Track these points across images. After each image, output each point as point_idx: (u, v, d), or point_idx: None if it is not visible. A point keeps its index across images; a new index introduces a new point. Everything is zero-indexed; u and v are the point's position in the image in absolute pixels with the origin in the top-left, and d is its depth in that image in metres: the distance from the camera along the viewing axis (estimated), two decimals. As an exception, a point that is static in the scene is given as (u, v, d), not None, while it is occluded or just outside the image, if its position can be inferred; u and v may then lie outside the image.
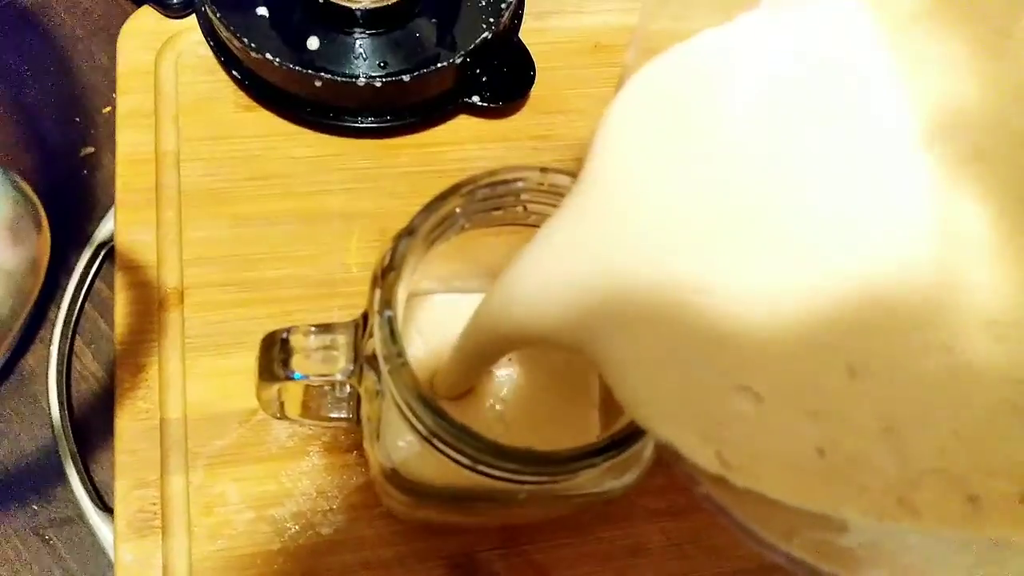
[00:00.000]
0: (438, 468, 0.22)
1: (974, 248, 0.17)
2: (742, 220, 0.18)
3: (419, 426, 0.21)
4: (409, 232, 0.22)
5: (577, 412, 0.27)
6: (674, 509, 0.35)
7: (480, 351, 0.23)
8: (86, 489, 0.35)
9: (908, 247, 0.18)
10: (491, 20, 0.40)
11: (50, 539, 0.35)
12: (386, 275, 0.21)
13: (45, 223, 0.36)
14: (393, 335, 0.21)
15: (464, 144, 0.42)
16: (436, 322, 0.28)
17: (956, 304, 0.17)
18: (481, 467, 0.21)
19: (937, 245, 0.18)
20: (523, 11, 0.43)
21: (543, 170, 0.23)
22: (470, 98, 0.41)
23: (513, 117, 0.43)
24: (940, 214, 0.18)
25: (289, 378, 0.25)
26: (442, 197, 0.23)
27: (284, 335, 0.25)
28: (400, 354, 0.21)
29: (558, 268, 0.20)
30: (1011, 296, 0.17)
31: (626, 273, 0.19)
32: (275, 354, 0.25)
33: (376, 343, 0.21)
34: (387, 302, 0.21)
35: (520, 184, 0.24)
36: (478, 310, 0.22)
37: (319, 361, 0.24)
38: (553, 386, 0.27)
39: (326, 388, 0.31)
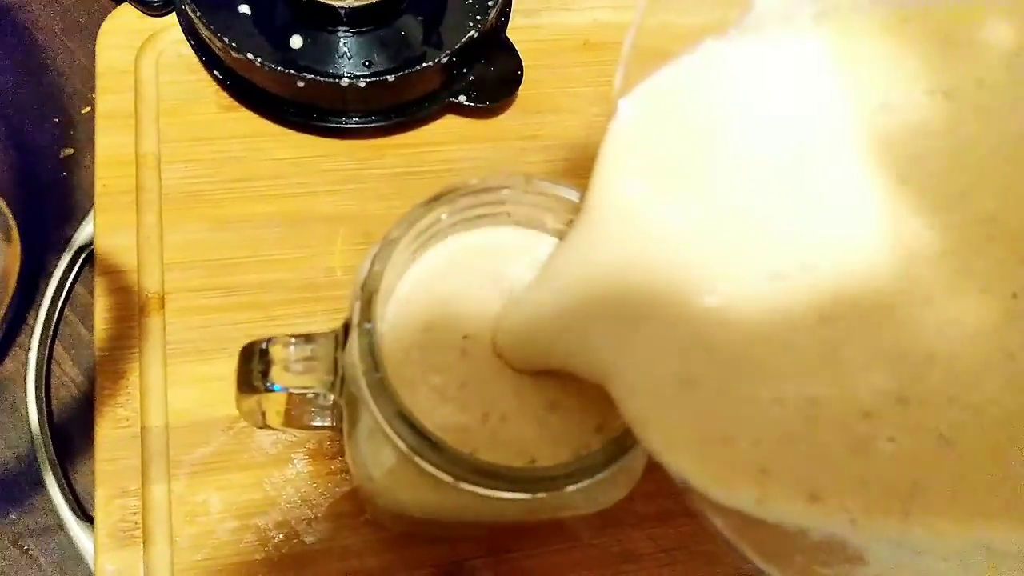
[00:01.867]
0: (419, 484, 0.21)
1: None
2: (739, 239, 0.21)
3: (399, 442, 0.20)
4: (389, 243, 0.22)
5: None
6: (664, 515, 0.35)
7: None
8: (65, 498, 0.34)
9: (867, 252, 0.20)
10: (478, 18, 0.39)
11: (29, 549, 0.34)
12: (365, 288, 0.21)
13: (15, 233, 0.35)
14: (372, 349, 0.20)
15: (451, 144, 0.41)
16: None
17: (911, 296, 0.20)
18: (463, 484, 0.20)
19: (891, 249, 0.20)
20: (511, 9, 0.42)
21: (527, 179, 0.23)
22: (457, 98, 0.40)
23: (501, 117, 0.42)
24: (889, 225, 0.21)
25: (269, 390, 0.24)
26: (425, 204, 0.23)
27: (263, 346, 0.24)
28: (378, 368, 0.20)
29: (565, 300, 0.21)
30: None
31: (635, 290, 0.20)
32: (254, 365, 0.24)
33: (355, 356, 0.21)
34: (366, 315, 0.21)
35: (505, 192, 0.23)
36: (497, 334, 0.22)
37: (299, 373, 0.24)
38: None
39: (309, 396, 0.30)
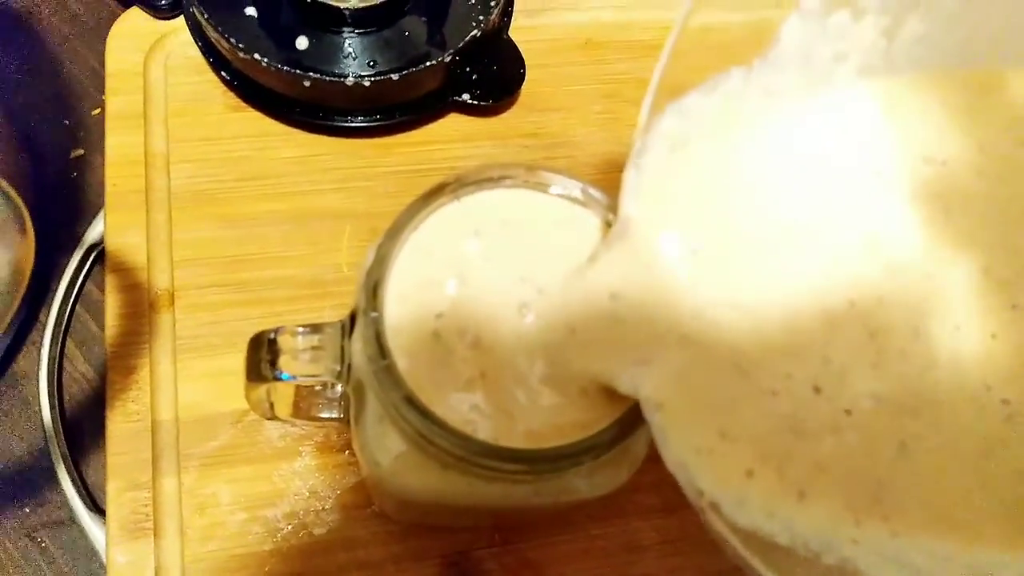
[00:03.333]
0: (426, 468, 0.22)
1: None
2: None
3: (405, 426, 0.21)
4: (394, 232, 0.22)
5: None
6: (668, 505, 0.35)
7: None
8: (78, 491, 0.35)
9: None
10: (480, 18, 0.40)
11: (42, 541, 0.35)
12: (369, 276, 0.21)
13: (30, 226, 0.35)
14: (378, 336, 0.21)
15: (455, 142, 0.42)
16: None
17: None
18: (470, 466, 0.20)
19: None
20: (513, 8, 0.43)
21: (529, 168, 0.23)
22: (460, 96, 0.41)
23: (504, 115, 0.43)
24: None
25: (277, 379, 0.24)
26: (428, 195, 0.23)
27: (272, 335, 0.25)
28: (385, 355, 0.20)
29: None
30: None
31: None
32: (263, 355, 0.25)
33: (362, 343, 0.21)
34: (372, 304, 0.21)
35: (507, 182, 0.24)
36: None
37: (307, 362, 0.24)
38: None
39: (317, 387, 0.30)
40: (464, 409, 0.21)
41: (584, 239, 0.24)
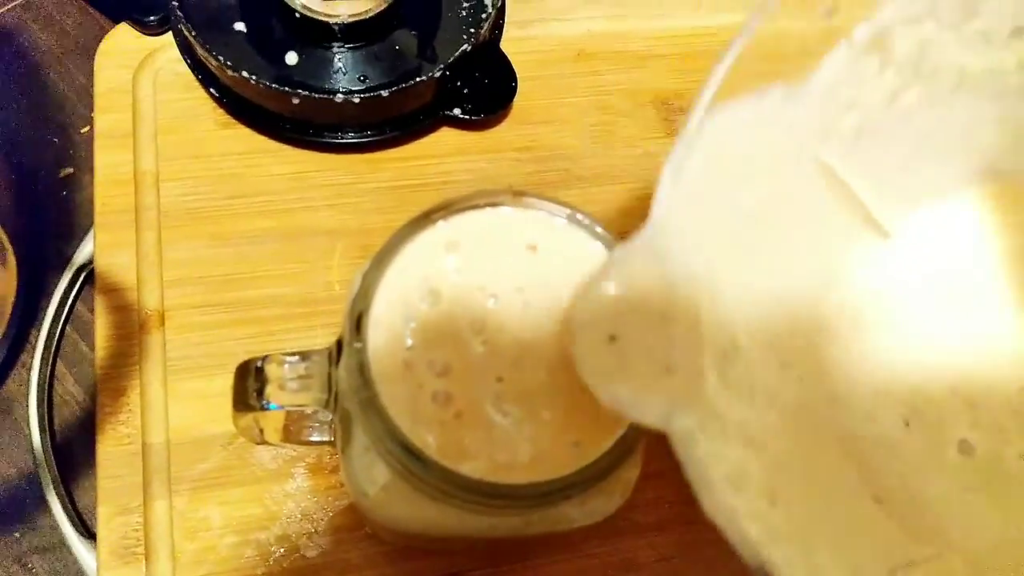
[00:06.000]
0: (413, 500, 0.22)
1: None
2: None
3: (390, 459, 0.20)
4: (379, 260, 0.22)
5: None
6: (663, 523, 0.35)
7: None
8: (68, 515, 0.34)
9: None
10: (471, 31, 0.40)
11: (32, 567, 0.35)
12: (355, 306, 0.21)
13: (11, 257, 0.35)
14: (362, 367, 0.20)
15: (447, 157, 0.41)
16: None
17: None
18: (454, 501, 0.20)
19: None
20: (504, 20, 0.43)
21: (517, 194, 0.23)
22: (452, 111, 0.40)
23: (496, 128, 0.42)
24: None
25: (264, 408, 0.24)
26: (414, 223, 0.23)
27: (259, 364, 0.24)
28: (368, 387, 0.20)
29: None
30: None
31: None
32: (250, 384, 0.24)
33: (346, 373, 0.21)
34: (356, 334, 0.21)
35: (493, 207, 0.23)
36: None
37: (294, 391, 0.24)
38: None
39: (307, 411, 0.30)
40: (444, 445, 0.21)
41: (569, 251, 0.23)
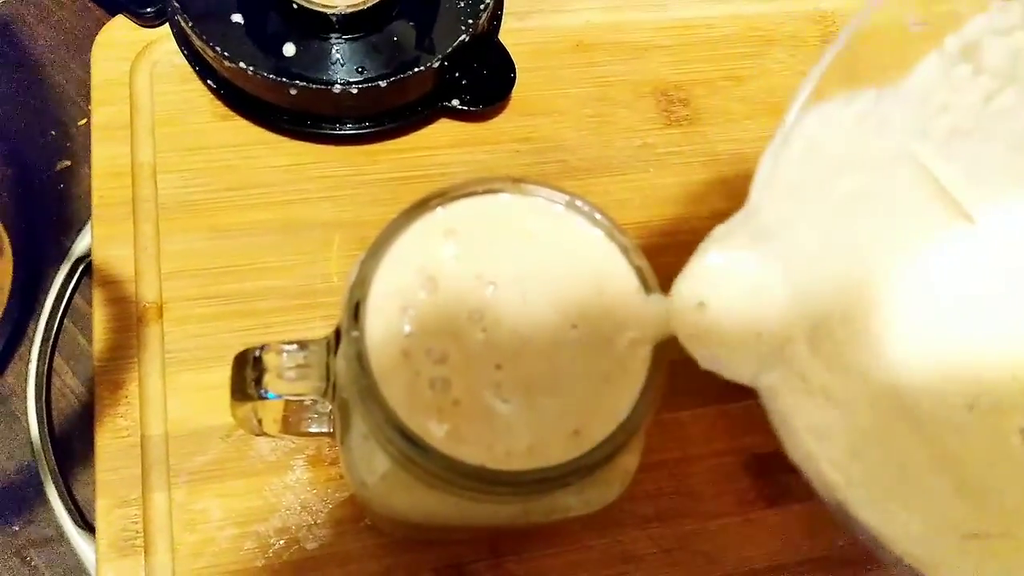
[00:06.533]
0: (413, 489, 0.22)
1: None
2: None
3: (389, 447, 0.20)
4: (376, 248, 0.22)
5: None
6: (663, 515, 0.35)
7: None
8: (67, 508, 0.34)
9: None
10: (469, 22, 0.39)
11: (31, 559, 0.34)
12: (352, 294, 0.21)
13: (7, 246, 0.35)
14: (359, 356, 0.20)
15: (445, 148, 0.41)
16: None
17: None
18: (456, 487, 0.20)
19: None
20: (502, 11, 0.42)
21: (515, 181, 0.23)
22: (450, 102, 0.40)
23: (494, 120, 0.42)
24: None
25: (263, 397, 0.24)
26: (411, 210, 0.23)
27: (256, 353, 0.24)
28: (367, 375, 0.20)
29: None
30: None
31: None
32: (247, 373, 0.24)
33: (345, 362, 0.21)
34: (354, 322, 0.21)
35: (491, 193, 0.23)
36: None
37: (292, 380, 0.24)
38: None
39: (306, 402, 0.30)
40: (443, 432, 0.21)
41: (568, 237, 0.23)
